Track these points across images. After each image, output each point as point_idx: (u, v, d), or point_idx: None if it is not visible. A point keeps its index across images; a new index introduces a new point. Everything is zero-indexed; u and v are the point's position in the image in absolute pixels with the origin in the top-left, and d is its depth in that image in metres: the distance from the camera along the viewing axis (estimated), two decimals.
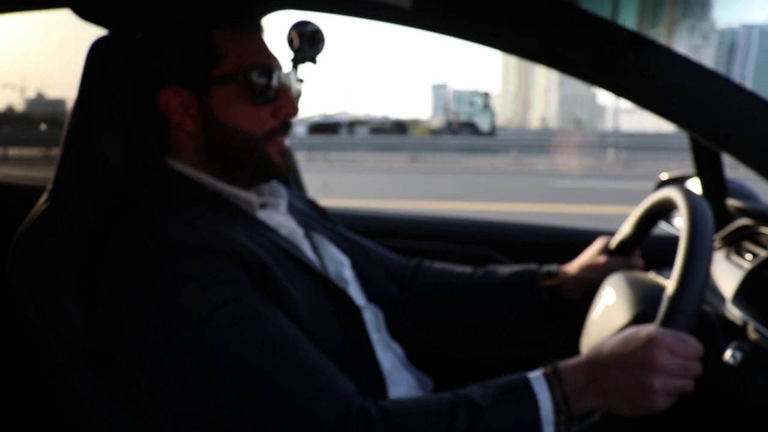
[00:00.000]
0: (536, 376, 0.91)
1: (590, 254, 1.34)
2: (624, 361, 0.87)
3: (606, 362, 0.89)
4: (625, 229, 1.30)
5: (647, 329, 0.89)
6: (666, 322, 0.90)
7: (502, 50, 1.26)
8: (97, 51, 1.08)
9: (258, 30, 1.08)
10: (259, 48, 1.06)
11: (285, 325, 0.92)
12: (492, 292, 1.35)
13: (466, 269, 1.40)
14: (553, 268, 1.34)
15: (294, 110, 1.07)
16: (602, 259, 1.31)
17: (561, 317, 1.37)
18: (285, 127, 1.08)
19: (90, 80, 1.08)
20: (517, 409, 0.88)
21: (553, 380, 0.90)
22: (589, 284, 1.30)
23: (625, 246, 1.30)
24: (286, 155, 1.09)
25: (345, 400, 0.88)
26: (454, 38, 1.25)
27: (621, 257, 1.30)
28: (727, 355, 0.97)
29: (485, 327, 1.41)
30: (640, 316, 1.02)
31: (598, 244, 1.35)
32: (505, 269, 1.38)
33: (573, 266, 1.34)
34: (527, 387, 0.89)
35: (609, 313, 1.11)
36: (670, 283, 0.92)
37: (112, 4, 1.13)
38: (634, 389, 0.86)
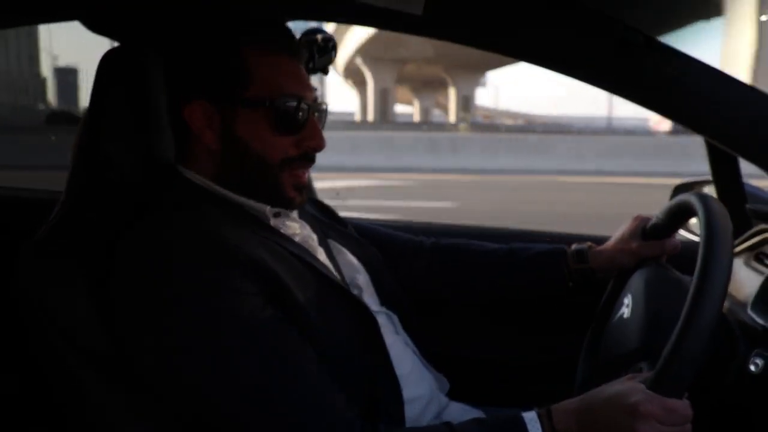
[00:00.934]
0: (531, 418, 0.90)
1: (623, 237, 1.28)
2: (611, 423, 0.86)
3: (595, 418, 0.88)
4: (660, 216, 1.22)
5: (636, 394, 0.85)
6: (657, 385, 0.85)
7: (517, 57, 1.25)
8: (109, 61, 1.09)
9: (295, 55, 1.06)
10: (293, 74, 1.04)
11: (293, 345, 0.92)
12: (516, 270, 1.33)
13: (489, 247, 1.37)
14: (584, 248, 1.31)
15: (319, 144, 1.05)
16: (635, 244, 1.25)
17: (576, 320, 1.34)
18: (305, 158, 1.05)
19: (102, 90, 1.08)
20: None
21: (545, 423, 0.89)
22: (620, 270, 1.26)
23: (659, 230, 1.24)
24: (303, 189, 1.07)
25: (345, 428, 0.88)
26: (466, 45, 1.24)
27: (655, 241, 1.24)
28: (750, 363, 0.95)
29: (507, 307, 1.37)
30: (645, 349, 1.00)
31: (632, 224, 1.28)
32: (531, 248, 1.35)
33: (606, 249, 1.29)
34: (521, 427, 0.89)
35: (623, 327, 1.09)
36: (672, 335, 0.86)
37: (123, 17, 1.13)
38: None
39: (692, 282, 0.86)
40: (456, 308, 1.48)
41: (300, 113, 1.01)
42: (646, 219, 1.27)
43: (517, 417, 0.90)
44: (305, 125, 1.03)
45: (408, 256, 1.36)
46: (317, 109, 1.06)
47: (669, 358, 0.84)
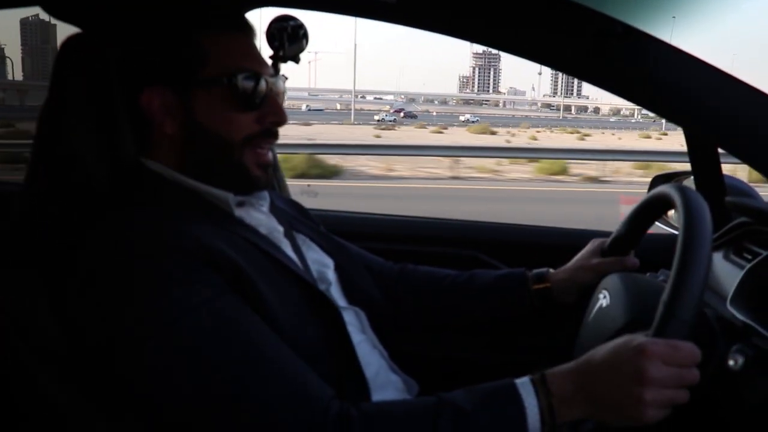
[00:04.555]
0: (523, 382, 0.87)
1: (582, 256, 1.32)
2: (614, 372, 0.84)
3: (595, 372, 0.86)
4: (620, 228, 1.26)
5: (639, 339, 0.85)
6: (661, 329, 0.85)
7: (492, 47, 1.23)
8: (68, 49, 1.05)
9: (247, 33, 1.05)
10: (248, 52, 1.04)
11: (259, 330, 0.90)
12: (479, 295, 1.33)
13: (451, 272, 1.38)
14: (543, 270, 1.32)
15: (281, 118, 1.05)
16: (595, 260, 1.29)
17: (553, 321, 1.33)
18: (268, 134, 1.05)
19: (61, 80, 1.04)
20: (502, 416, 0.85)
21: (540, 387, 0.86)
22: (581, 287, 1.28)
23: (620, 245, 1.27)
24: (267, 168, 1.07)
25: (321, 405, 0.85)
26: (441, 33, 1.22)
27: (615, 257, 1.27)
28: (729, 359, 0.94)
29: (473, 331, 1.37)
30: (636, 321, 0.99)
31: (591, 245, 1.32)
32: (492, 272, 1.36)
33: (564, 269, 1.31)
34: (514, 393, 0.86)
35: (604, 315, 1.08)
36: (666, 287, 0.88)
37: (83, 2, 1.09)
38: (623, 401, 0.83)
39: (672, 268, 0.87)
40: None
41: (258, 88, 1.01)
42: (604, 240, 1.31)
43: (509, 383, 0.88)
44: (265, 100, 1.03)
45: (382, 282, 1.35)
46: (275, 83, 1.06)
47: (669, 301, 0.85)
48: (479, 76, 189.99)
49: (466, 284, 1.34)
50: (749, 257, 1.22)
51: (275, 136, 1.06)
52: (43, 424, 0.99)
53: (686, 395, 0.85)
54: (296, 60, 1.15)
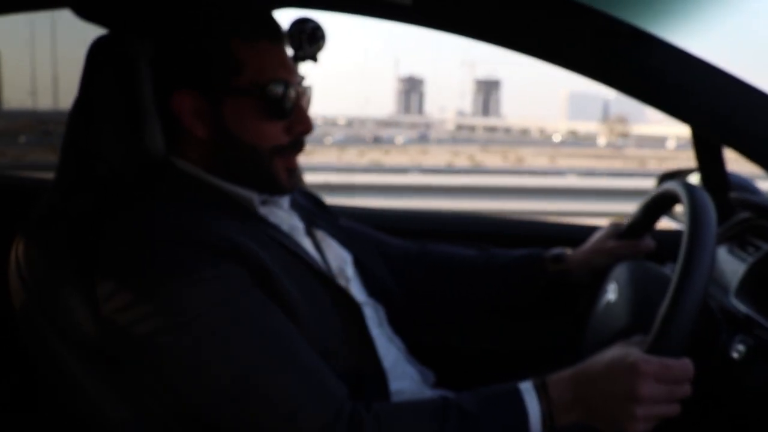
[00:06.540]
0: (527, 388, 0.92)
1: (598, 239, 1.33)
2: (608, 387, 0.89)
3: (592, 384, 0.91)
4: (635, 214, 1.28)
5: (633, 355, 0.89)
6: (655, 345, 0.89)
7: (503, 46, 1.25)
8: (98, 50, 1.08)
9: (280, 41, 1.05)
10: (280, 61, 1.04)
11: (281, 326, 0.92)
12: (496, 275, 1.35)
13: (471, 252, 1.40)
14: (560, 251, 1.34)
15: (308, 128, 1.05)
16: (611, 243, 1.31)
17: (567, 302, 1.36)
18: (296, 144, 1.06)
19: (90, 79, 1.07)
20: (507, 419, 0.90)
21: (542, 393, 0.91)
22: (597, 269, 1.30)
23: (635, 230, 1.29)
24: (294, 173, 1.07)
25: (336, 404, 0.89)
26: (456, 34, 1.25)
27: (630, 241, 1.30)
28: (732, 349, 0.97)
29: (489, 313, 1.39)
30: (637, 324, 1.02)
31: (607, 229, 1.34)
32: (510, 252, 1.38)
33: (581, 251, 1.34)
34: (518, 398, 0.91)
35: (610, 311, 1.11)
36: (665, 300, 0.90)
37: (115, 4, 1.13)
38: (616, 414, 0.89)
39: (678, 262, 0.90)
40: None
41: (288, 98, 1.01)
42: (621, 224, 1.33)
43: (512, 387, 0.92)
44: (293, 110, 1.03)
45: (395, 263, 1.37)
46: (303, 92, 1.06)
47: (666, 317, 0.88)
48: (404, 100, 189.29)
49: (485, 264, 1.36)
50: (753, 251, 1.25)
51: (302, 146, 1.07)
52: (71, 407, 1.02)
53: (677, 408, 0.89)
54: (315, 59, 1.18)
